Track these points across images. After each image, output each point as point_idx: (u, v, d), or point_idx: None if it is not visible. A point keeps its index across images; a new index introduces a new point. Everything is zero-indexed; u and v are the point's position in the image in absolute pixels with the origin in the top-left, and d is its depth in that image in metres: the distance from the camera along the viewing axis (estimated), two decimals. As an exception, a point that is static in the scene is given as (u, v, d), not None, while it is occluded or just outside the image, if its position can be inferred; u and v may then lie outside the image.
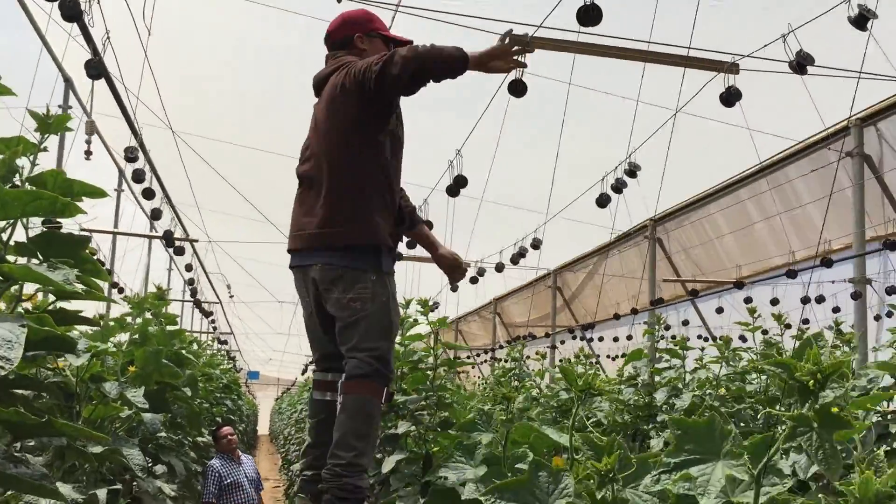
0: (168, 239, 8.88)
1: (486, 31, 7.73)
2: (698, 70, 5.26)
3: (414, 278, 11.50)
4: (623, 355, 14.42)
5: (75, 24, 5.13)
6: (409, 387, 4.75)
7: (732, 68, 5.01)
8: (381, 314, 3.36)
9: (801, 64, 4.70)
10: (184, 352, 4.97)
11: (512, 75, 5.55)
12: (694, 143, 9.20)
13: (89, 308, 3.98)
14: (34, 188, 1.66)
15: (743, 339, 9.96)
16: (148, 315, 4.71)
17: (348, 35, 3.69)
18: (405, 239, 4.21)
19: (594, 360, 9.12)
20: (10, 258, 2.01)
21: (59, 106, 9.45)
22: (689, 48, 5.18)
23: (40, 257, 2.12)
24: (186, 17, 8.69)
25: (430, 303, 5.07)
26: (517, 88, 5.61)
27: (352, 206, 3.40)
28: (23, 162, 2.13)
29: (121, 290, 11.04)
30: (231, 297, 15.68)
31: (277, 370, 39.26)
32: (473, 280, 10.78)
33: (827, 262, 6.09)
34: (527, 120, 8.32)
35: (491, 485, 2.00)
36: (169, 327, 4.94)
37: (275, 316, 20.59)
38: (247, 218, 12.35)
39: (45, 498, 1.61)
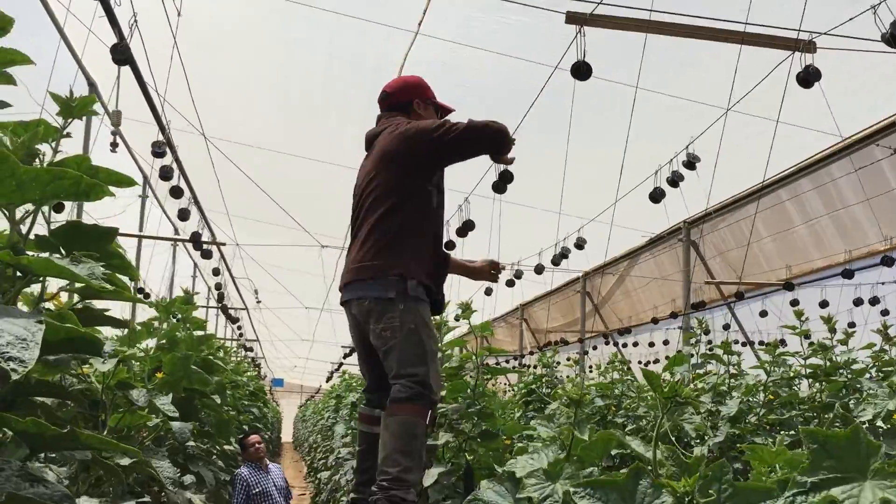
0: (195, 241, 8.68)
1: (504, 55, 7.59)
2: (763, 48, 4.98)
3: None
4: (656, 361, 14.19)
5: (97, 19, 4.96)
6: (447, 396, 4.57)
7: (809, 46, 4.72)
8: (413, 341, 3.49)
9: (894, 36, 4.37)
10: (212, 358, 4.79)
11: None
12: (732, 141, 8.93)
13: (114, 309, 3.78)
14: (57, 168, 1.46)
15: (783, 342, 9.68)
16: (175, 319, 4.54)
17: (409, 99, 3.98)
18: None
19: (626, 367, 8.85)
20: (30, 254, 1.81)
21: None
22: (747, 24, 4.94)
23: (63, 252, 1.93)
24: (216, 15, 8.50)
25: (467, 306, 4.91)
26: (580, 70, 5.40)
27: (388, 244, 3.61)
28: (44, 148, 1.95)
29: (147, 296, 10.90)
30: (258, 302, 15.52)
31: (301, 377, 39.13)
32: (510, 283, 10.54)
33: (888, 262, 5.80)
34: (555, 121, 8.07)
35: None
36: (197, 332, 4.76)
37: (300, 322, 20.45)
38: (274, 224, 12.20)
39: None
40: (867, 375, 5.58)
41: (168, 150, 6.23)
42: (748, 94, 6.14)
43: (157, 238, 11.22)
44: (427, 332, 3.59)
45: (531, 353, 17.28)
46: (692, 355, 6.63)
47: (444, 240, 8.08)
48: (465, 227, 7.79)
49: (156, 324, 4.28)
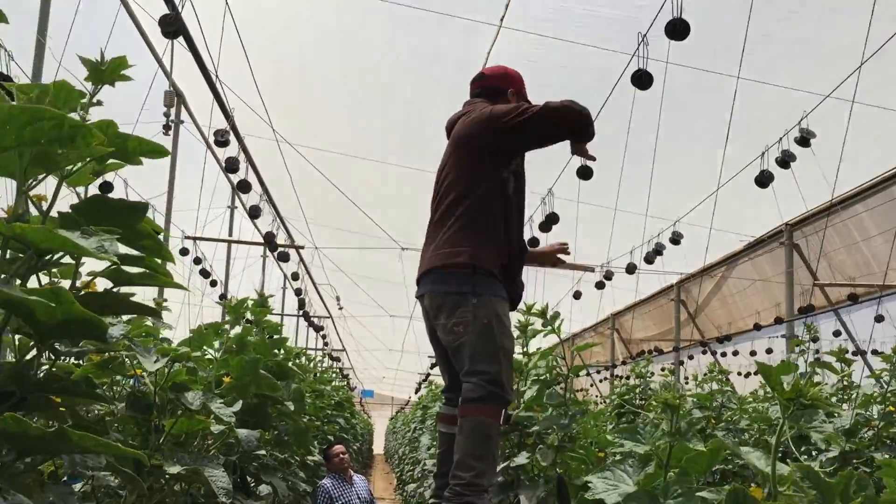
0: (269, 242, 8.52)
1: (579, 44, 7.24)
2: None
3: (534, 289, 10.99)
4: (756, 372, 13.48)
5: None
6: (528, 403, 4.31)
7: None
8: (486, 337, 3.36)
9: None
10: (289, 364, 4.58)
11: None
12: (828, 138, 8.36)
13: (172, 304, 3.60)
14: (34, 106, 1.23)
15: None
16: (248, 322, 4.35)
17: (505, 87, 3.84)
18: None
19: (725, 377, 8.34)
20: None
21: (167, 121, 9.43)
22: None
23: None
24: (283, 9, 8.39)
25: (550, 312, 4.61)
26: (641, 80, 5.13)
27: (463, 233, 3.50)
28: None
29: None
30: (340, 308, 15.40)
31: (391, 389, 39.18)
32: (600, 285, 10.13)
33: None
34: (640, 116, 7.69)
35: None
36: (272, 336, 4.56)
37: (387, 332, 20.31)
38: (350, 230, 12.07)
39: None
40: None
41: (233, 138, 6.03)
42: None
43: (225, 241, 11.12)
44: (501, 328, 3.43)
45: (623, 363, 16.74)
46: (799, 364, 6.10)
47: (527, 235, 7.86)
48: (549, 221, 7.43)
49: (226, 327, 4.09)
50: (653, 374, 8.72)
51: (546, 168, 7.95)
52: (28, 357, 1.62)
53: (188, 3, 5.20)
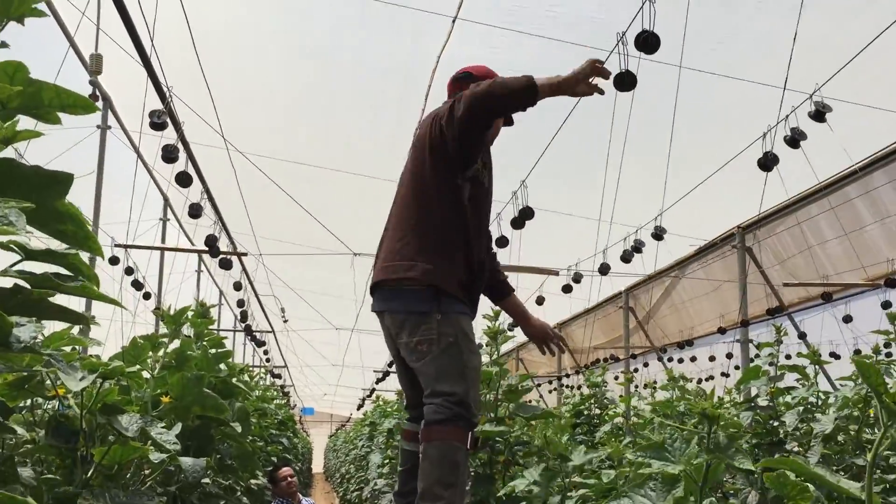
0: (211, 246, 7.93)
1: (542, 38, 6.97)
2: None
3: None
4: (710, 378, 13.37)
5: None
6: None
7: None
8: (451, 355, 3.20)
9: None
10: (234, 380, 4.13)
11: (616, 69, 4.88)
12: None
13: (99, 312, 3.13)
14: None
15: (857, 353, 8.92)
16: (185, 333, 3.89)
17: None
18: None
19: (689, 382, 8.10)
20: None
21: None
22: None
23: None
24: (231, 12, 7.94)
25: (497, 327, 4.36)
26: (624, 81, 4.80)
27: (415, 245, 3.31)
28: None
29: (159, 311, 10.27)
30: (285, 321, 14.81)
31: (331, 406, 38.48)
32: (567, 288, 9.81)
33: None
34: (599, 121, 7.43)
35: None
36: (214, 351, 4.10)
37: (329, 348, 19.74)
38: (299, 244, 11.59)
39: None
40: None
41: (170, 122, 5.51)
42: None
43: (160, 248, 10.51)
44: (467, 345, 3.27)
45: (567, 376, 16.51)
46: (771, 364, 5.81)
47: (497, 235, 7.49)
48: (523, 216, 7.02)
49: (164, 340, 3.64)
50: (606, 382, 8.41)
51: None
52: None
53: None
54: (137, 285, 9.61)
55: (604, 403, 8.31)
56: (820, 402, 5.32)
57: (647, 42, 4.41)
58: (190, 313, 4.13)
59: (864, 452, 4.83)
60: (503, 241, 7.31)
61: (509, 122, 3.65)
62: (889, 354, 7.02)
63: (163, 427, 2.39)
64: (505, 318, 4.27)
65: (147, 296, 10.16)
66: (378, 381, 18.77)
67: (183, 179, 6.08)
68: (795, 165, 7.17)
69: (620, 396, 8.67)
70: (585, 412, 8.33)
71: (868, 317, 8.88)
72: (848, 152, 7.16)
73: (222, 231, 8.90)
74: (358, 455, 12.19)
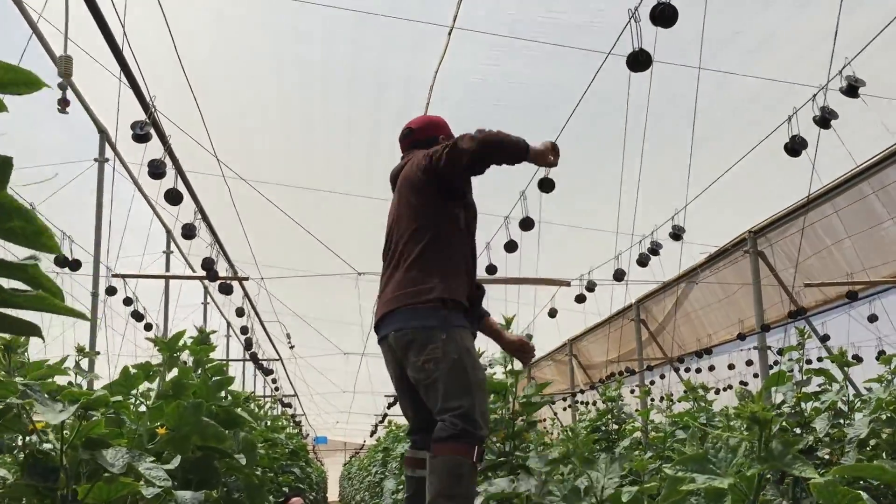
0: (208, 269, 7.69)
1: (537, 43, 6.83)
2: None
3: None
4: (729, 387, 13.10)
5: None
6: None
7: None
8: (457, 371, 3.32)
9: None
10: (238, 410, 3.92)
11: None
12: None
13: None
14: None
15: (882, 354, 8.66)
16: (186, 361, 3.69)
17: (434, 136, 3.86)
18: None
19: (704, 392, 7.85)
20: None
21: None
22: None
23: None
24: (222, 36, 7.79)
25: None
26: (638, 60, 4.69)
27: (421, 270, 3.48)
28: None
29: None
30: (291, 347, 14.53)
31: (344, 434, 38.11)
32: (580, 298, 9.56)
33: None
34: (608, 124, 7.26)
35: None
36: (215, 378, 3.90)
37: (339, 373, 19.46)
38: (301, 268, 11.38)
39: None
40: None
41: (154, 133, 5.30)
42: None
43: (157, 277, 10.29)
44: (472, 361, 3.40)
45: (581, 392, 16.23)
46: (794, 370, 5.59)
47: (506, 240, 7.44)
48: (526, 225, 6.90)
49: (160, 368, 3.44)
50: (622, 396, 8.17)
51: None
52: None
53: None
54: (138, 316, 9.38)
55: (621, 418, 8.06)
56: (849, 407, 5.09)
57: (664, 14, 4.22)
58: (188, 339, 3.95)
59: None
60: (512, 246, 7.17)
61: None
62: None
63: (152, 461, 2.18)
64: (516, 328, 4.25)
65: (148, 327, 9.94)
66: (390, 405, 18.50)
67: (173, 196, 5.83)
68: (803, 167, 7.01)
69: (636, 410, 8.42)
70: (603, 428, 8.08)
71: (892, 317, 8.65)
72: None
73: (220, 254, 8.68)
74: (372, 482, 11.97)
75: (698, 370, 12.71)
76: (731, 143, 7.75)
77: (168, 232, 11.78)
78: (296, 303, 13.13)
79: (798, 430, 4.97)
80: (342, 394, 21.94)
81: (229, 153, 8.13)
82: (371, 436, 23.60)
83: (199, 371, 3.92)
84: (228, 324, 16.50)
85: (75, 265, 7.97)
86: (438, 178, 3.53)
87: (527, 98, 8.02)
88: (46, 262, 8.32)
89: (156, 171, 5.24)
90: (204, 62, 7.72)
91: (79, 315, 1.35)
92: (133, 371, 3.03)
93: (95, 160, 8.82)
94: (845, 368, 5.28)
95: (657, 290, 12.81)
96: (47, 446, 2.00)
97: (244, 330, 11.85)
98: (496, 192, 7.40)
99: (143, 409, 3.25)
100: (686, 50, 6.38)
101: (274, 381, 17.54)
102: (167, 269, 11.82)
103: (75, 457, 2.01)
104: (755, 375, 11.20)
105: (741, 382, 11.80)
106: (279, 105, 8.81)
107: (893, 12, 5.85)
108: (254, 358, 12.71)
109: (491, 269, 8.13)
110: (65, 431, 1.99)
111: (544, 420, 17.20)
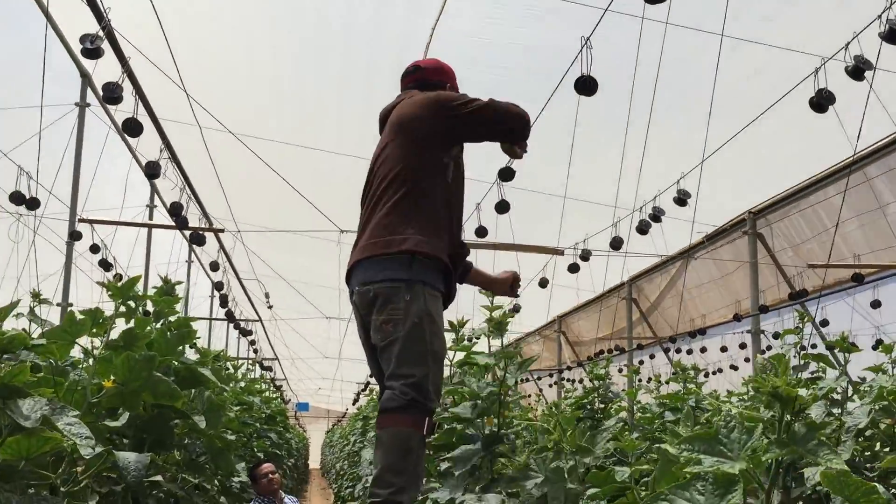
0: (176, 214, 7.28)
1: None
2: None
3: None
4: (719, 370, 12.91)
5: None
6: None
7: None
8: (416, 337, 3.18)
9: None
10: (201, 369, 3.62)
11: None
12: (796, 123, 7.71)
13: None
14: None
15: (880, 342, 8.45)
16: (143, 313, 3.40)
17: (441, 81, 3.74)
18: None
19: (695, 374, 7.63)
20: None
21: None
22: None
23: None
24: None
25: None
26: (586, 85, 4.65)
27: (397, 217, 3.33)
28: None
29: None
30: (270, 307, 14.18)
31: (328, 401, 37.99)
32: (573, 268, 9.28)
33: None
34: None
35: None
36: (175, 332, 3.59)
37: (322, 340, 19.16)
38: (283, 223, 11.04)
39: None
40: None
41: (111, 49, 4.88)
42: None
43: (128, 224, 9.90)
44: (432, 328, 3.24)
45: (569, 368, 16.03)
46: (796, 354, 5.34)
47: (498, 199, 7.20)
48: (502, 207, 6.67)
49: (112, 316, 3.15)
50: (610, 375, 7.94)
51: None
52: None
53: None
54: (106, 265, 9.03)
55: (608, 397, 7.83)
56: (843, 396, 4.86)
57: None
58: (151, 288, 3.66)
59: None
60: (504, 206, 6.90)
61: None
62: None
63: (75, 415, 1.90)
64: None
65: (118, 277, 9.61)
66: (371, 374, 18.23)
67: (131, 127, 5.33)
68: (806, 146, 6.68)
69: (623, 390, 8.24)
70: (589, 406, 7.85)
71: (891, 305, 8.44)
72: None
73: (191, 200, 8.33)
74: (351, 451, 11.75)
75: (689, 351, 12.50)
76: (740, 114, 7.45)
77: (152, 184, 11.44)
78: (275, 263, 12.79)
79: (789, 417, 4.72)
80: (325, 360, 21.68)
81: (208, 101, 7.79)
82: (353, 404, 23.42)
83: (161, 325, 3.63)
84: (213, 283, 16.19)
85: (33, 203, 7.60)
86: (457, 122, 3.44)
87: (527, 60, 7.72)
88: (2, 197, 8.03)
89: (111, 94, 4.84)
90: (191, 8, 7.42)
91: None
92: (80, 317, 2.74)
93: (76, 104, 8.54)
94: (846, 355, 5.05)
95: (652, 269, 12.56)
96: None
97: (219, 286, 11.51)
98: (488, 156, 7.15)
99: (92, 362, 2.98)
100: (693, 15, 6.11)
101: (252, 342, 17.23)
102: (149, 239, 11.53)
103: (-14, 406, 1.74)
104: (746, 360, 10.98)
105: (731, 366, 11.60)
106: (268, 59, 8.50)
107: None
108: (230, 316, 12.37)
109: (481, 231, 7.82)
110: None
111: (529, 396, 17.02)
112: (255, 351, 17.61)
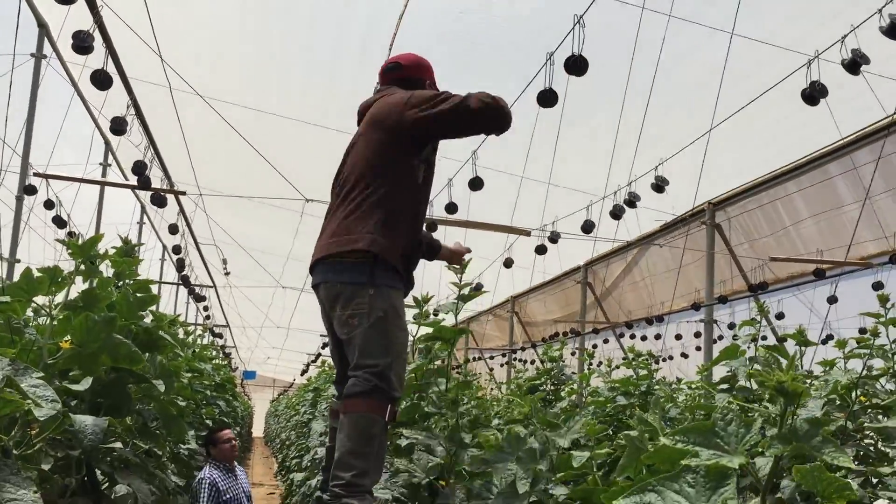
0: (140, 174, 7.12)
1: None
2: None
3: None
4: (670, 357, 13.03)
5: None
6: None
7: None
8: (379, 330, 3.26)
9: None
10: (160, 332, 3.53)
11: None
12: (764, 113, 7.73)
13: None
14: None
15: (830, 338, 8.60)
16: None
17: (421, 77, 3.75)
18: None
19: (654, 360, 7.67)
20: None
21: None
22: None
23: None
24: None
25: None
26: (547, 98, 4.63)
27: (364, 219, 3.35)
28: None
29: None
30: (227, 273, 13.98)
31: (275, 371, 37.74)
32: (541, 249, 9.26)
33: None
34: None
35: None
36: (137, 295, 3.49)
37: (275, 311, 18.99)
38: (243, 195, 10.87)
39: None
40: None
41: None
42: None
43: (85, 181, 9.59)
44: (396, 321, 3.33)
45: (523, 349, 16.11)
46: (749, 345, 5.37)
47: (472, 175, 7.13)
48: (476, 184, 6.62)
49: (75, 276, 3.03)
50: (563, 357, 7.94)
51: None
52: None
53: None
54: (60, 222, 8.79)
55: (561, 379, 7.83)
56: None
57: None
58: (110, 248, 3.54)
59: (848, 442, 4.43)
60: (478, 183, 6.85)
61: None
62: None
63: (40, 377, 1.81)
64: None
65: (72, 236, 9.37)
66: (324, 346, 18.14)
67: (100, 79, 5.14)
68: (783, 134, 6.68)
69: (573, 373, 8.23)
70: (541, 388, 7.86)
71: (845, 301, 8.59)
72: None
73: (154, 161, 8.14)
74: (300, 421, 11.65)
75: (643, 338, 12.60)
76: (710, 106, 7.47)
77: (106, 143, 11.16)
78: (236, 230, 12.59)
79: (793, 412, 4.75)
80: (276, 329, 21.49)
81: (178, 63, 7.59)
82: (302, 374, 23.27)
83: (120, 286, 3.52)
84: (164, 247, 15.89)
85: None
86: (425, 125, 3.39)
87: (508, 35, 7.63)
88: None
89: (81, 43, 4.67)
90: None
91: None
92: (38, 275, 2.62)
93: (32, 55, 8.27)
94: (802, 348, 5.10)
95: (609, 254, 12.63)
96: None
97: (176, 249, 11.29)
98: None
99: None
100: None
101: (206, 308, 17.00)
102: (101, 198, 11.23)
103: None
104: (697, 349, 11.10)
105: (682, 354, 11.73)
106: (237, 23, 8.29)
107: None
108: (185, 281, 12.15)
109: (451, 207, 7.77)
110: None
111: (479, 374, 17.04)
112: (208, 317, 17.37)
